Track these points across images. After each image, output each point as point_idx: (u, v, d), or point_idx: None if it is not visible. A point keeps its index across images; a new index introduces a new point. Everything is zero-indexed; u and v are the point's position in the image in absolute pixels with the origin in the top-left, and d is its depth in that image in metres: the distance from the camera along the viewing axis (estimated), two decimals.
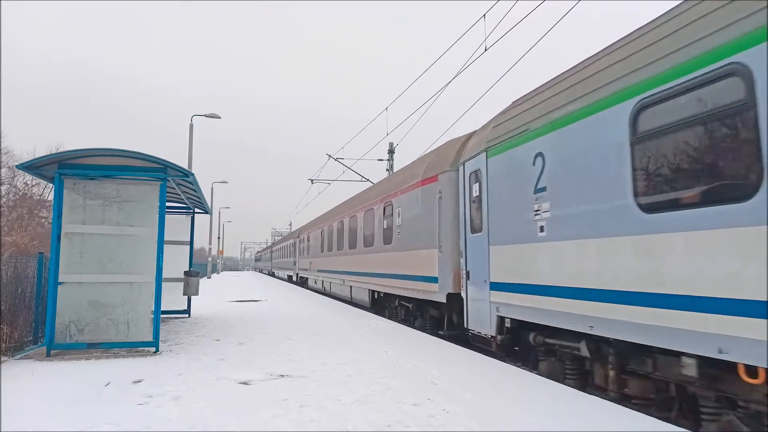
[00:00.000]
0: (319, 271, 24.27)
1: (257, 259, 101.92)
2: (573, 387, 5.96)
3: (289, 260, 38.66)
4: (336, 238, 20.31)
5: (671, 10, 5.01)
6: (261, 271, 79.49)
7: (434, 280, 9.98)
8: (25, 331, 8.23)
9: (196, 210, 12.91)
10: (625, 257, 5.09)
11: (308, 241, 28.10)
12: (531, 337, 6.92)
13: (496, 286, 7.67)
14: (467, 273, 8.76)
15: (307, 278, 29.39)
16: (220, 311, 14.20)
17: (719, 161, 4.19)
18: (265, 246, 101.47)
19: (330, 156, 25.20)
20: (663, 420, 4.74)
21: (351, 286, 17.88)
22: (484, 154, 8.10)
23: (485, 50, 10.57)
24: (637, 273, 4.93)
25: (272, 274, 57.34)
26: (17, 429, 4.28)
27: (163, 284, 7.94)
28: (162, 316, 8.53)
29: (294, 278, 35.16)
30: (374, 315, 13.85)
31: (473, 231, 8.52)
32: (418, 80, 14.74)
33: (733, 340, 3.94)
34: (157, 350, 7.73)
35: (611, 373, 5.57)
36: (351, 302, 17.88)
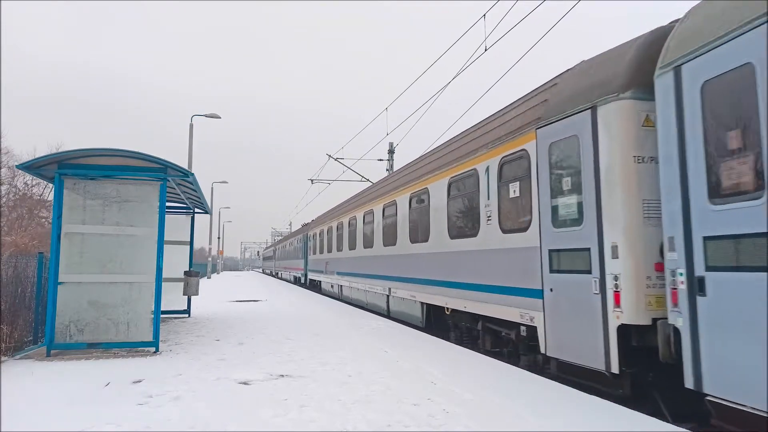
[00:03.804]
0: None
1: (266, 258, 73.51)
2: None
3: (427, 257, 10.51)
4: None
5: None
6: (275, 275, 53.68)
7: None
8: (25, 331, 8.23)
9: (196, 210, 12.91)
10: None
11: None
12: None
13: None
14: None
15: None
16: (220, 311, 14.20)
17: None
18: (272, 241, 75.02)
19: (330, 156, 25.18)
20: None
21: None
22: None
23: (485, 50, 10.56)
24: None
25: (307, 284, 28.23)
26: (17, 429, 4.29)
27: (163, 284, 7.94)
28: (162, 316, 8.53)
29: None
30: (374, 315, 13.83)
31: None
32: (418, 80, 14.73)
33: None
34: (157, 350, 7.73)
35: None
36: None
